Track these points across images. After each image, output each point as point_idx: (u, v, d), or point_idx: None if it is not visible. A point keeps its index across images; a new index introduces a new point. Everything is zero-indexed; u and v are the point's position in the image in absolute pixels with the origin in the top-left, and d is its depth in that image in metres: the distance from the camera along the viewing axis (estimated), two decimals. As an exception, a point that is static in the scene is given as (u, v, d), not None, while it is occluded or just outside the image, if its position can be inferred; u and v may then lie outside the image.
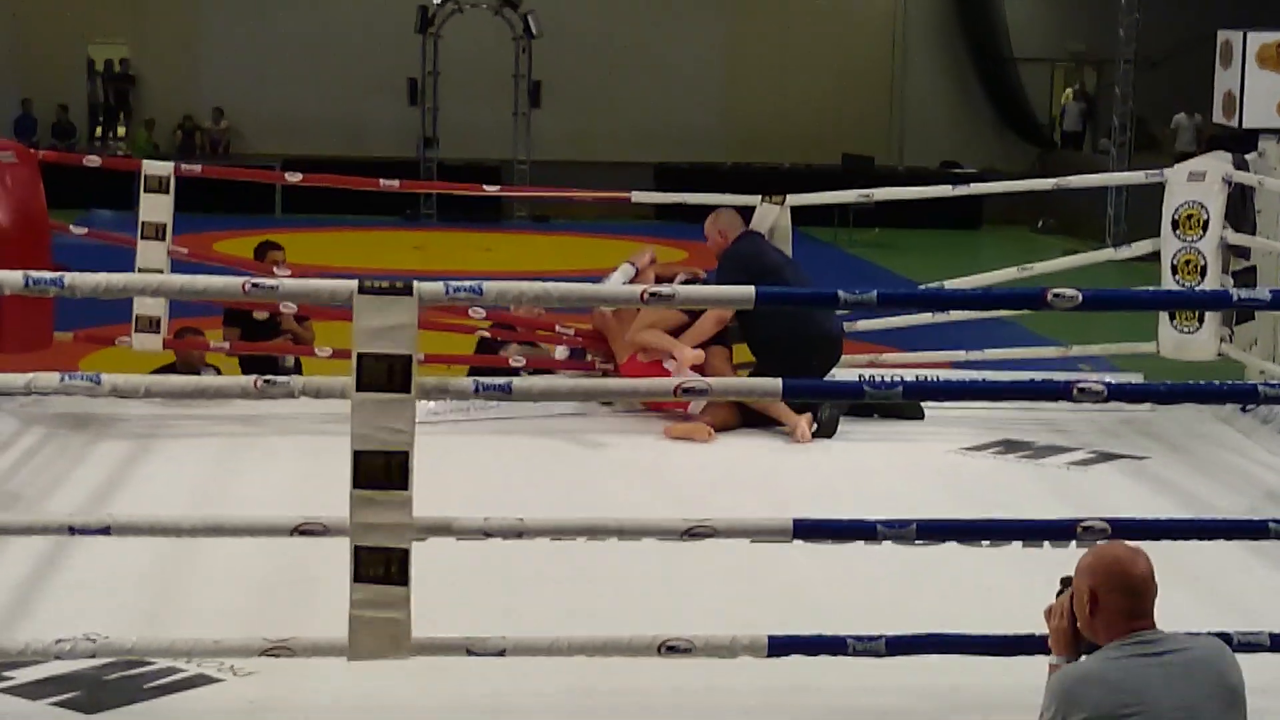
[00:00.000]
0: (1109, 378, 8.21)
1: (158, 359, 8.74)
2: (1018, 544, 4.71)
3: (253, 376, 4.03)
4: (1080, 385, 4.08)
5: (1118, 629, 3.29)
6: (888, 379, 7.90)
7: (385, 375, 3.86)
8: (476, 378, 4.07)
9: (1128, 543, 3.46)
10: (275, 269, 8.48)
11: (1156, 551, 3.94)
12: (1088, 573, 3.35)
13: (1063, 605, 3.44)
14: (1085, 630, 3.36)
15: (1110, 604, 3.30)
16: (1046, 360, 8.69)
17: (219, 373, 8.88)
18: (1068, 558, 4.21)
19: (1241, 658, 3.41)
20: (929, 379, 8.02)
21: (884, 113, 28.88)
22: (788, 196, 8.03)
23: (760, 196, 8.04)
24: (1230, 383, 6.95)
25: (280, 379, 3.98)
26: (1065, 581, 3.47)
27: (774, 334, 7.34)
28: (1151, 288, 8.06)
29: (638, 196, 8.73)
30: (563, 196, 10.05)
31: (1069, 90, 29.46)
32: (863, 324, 8.13)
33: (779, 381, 4.20)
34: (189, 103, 28.03)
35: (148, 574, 5.12)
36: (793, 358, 7.28)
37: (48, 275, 3.95)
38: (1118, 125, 24.32)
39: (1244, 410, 7.56)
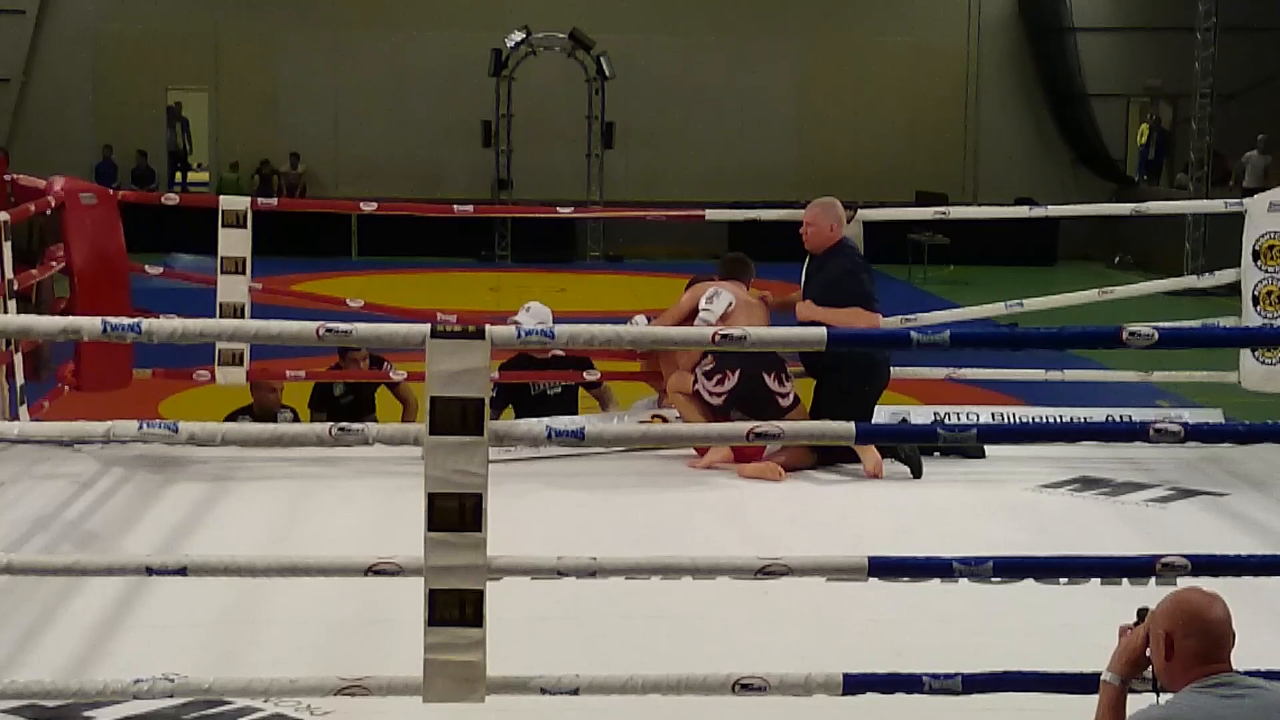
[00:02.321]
0: (1187, 414, 8.16)
1: (235, 400, 8.85)
2: (1096, 581, 4.66)
3: (328, 424, 4.06)
4: (1157, 426, 4.03)
5: (1193, 673, 3.26)
6: (961, 421, 7.95)
7: (458, 418, 3.88)
8: (549, 424, 4.08)
9: (1204, 588, 3.42)
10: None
11: (1239, 587, 3.90)
12: (1164, 617, 3.33)
13: (1140, 630, 3.43)
14: (1161, 675, 3.34)
15: (1186, 648, 3.28)
16: (1126, 385, 8.61)
17: (296, 415, 9.00)
18: (1147, 595, 4.17)
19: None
20: (1004, 419, 8.04)
21: (958, 150, 28.79)
22: (859, 209, 8.07)
23: None
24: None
25: (355, 426, 4.01)
26: (1142, 613, 3.46)
27: (838, 359, 7.31)
28: (1232, 318, 7.99)
29: (711, 214, 8.91)
30: (636, 216, 10.22)
31: (1145, 125, 29.27)
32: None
33: (851, 425, 4.18)
34: (267, 148, 28.37)
35: (224, 613, 5.16)
36: (854, 383, 7.31)
37: (126, 321, 3.99)
38: (1194, 160, 24.14)
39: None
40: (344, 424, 4.01)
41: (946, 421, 7.97)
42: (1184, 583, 4.14)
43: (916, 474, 7.22)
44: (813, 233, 7.70)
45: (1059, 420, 8.06)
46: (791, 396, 7.39)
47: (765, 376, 7.28)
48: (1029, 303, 8.27)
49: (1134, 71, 28.49)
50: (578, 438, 4.10)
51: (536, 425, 4.06)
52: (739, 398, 7.28)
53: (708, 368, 7.32)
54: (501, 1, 27.32)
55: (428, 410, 3.92)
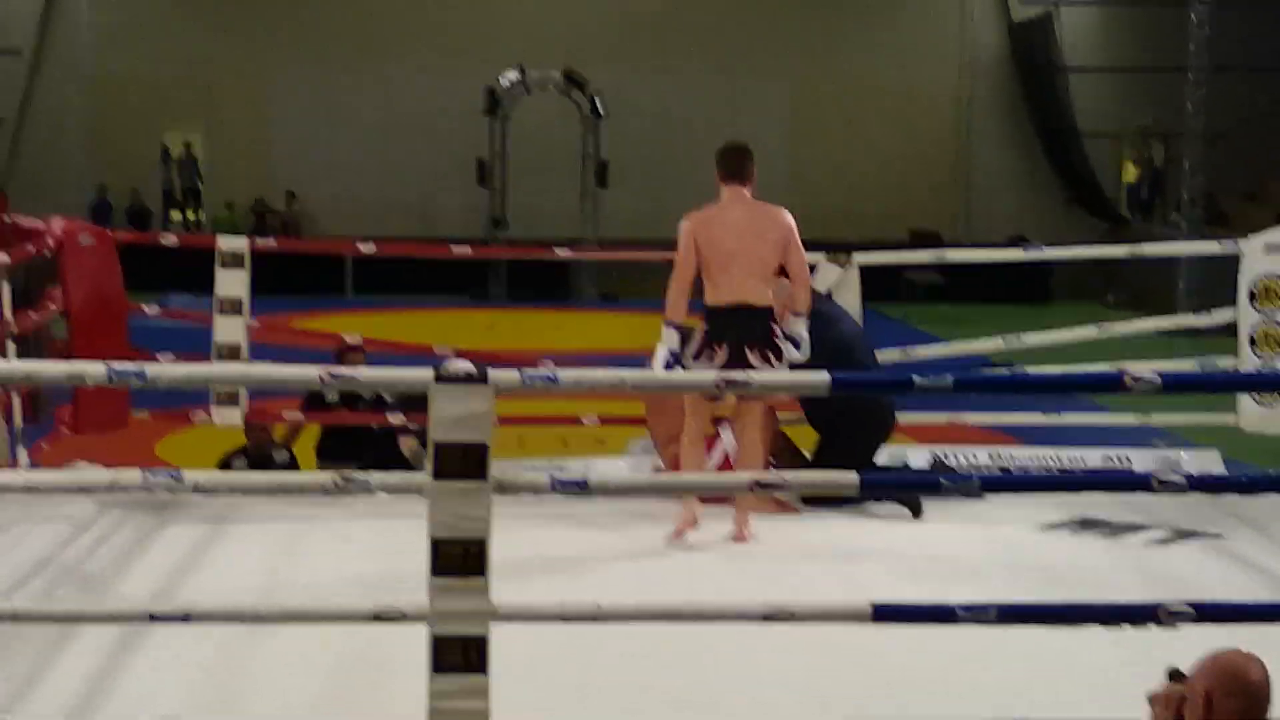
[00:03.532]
0: (1185, 455, 8.16)
1: (230, 440, 8.83)
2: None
3: (331, 474, 4.06)
4: (1161, 478, 4.05)
5: None
6: (960, 460, 7.95)
7: (461, 463, 3.88)
8: (552, 473, 4.09)
9: (1244, 649, 3.36)
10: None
11: (1241, 634, 3.89)
12: (1205, 676, 3.28)
13: (1169, 696, 3.38)
14: None
15: (1225, 709, 3.22)
16: (1124, 427, 8.62)
17: (291, 454, 8.98)
18: (1151, 638, 4.17)
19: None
20: (1006, 467, 8.04)
21: (951, 188, 28.87)
22: (854, 255, 8.09)
23: (824, 254, 8.08)
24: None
25: (358, 476, 4.01)
26: (1174, 675, 3.41)
27: (837, 408, 7.25)
28: (1229, 358, 8.00)
29: None
30: (632, 259, 10.26)
31: (1129, 163, 29.40)
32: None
33: (854, 475, 4.18)
34: (261, 186, 28.42)
35: (224, 657, 5.13)
36: (856, 430, 7.30)
37: (131, 367, 3.99)
38: (1187, 199, 24.22)
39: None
40: (347, 473, 4.01)
41: (946, 461, 8.00)
42: (1188, 629, 4.15)
43: (916, 514, 7.22)
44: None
45: (1057, 460, 8.08)
46: None
47: (748, 351, 6.68)
48: (1028, 338, 8.27)
49: (1126, 110, 28.60)
50: (581, 488, 4.10)
51: (540, 475, 4.06)
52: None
53: (695, 349, 6.78)
54: (495, 41, 27.41)
55: (431, 455, 3.92)
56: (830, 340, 7.27)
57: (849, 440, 7.33)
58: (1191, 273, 22.53)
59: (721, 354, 6.68)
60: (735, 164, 6.97)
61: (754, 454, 6.89)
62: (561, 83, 25.94)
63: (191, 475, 4.07)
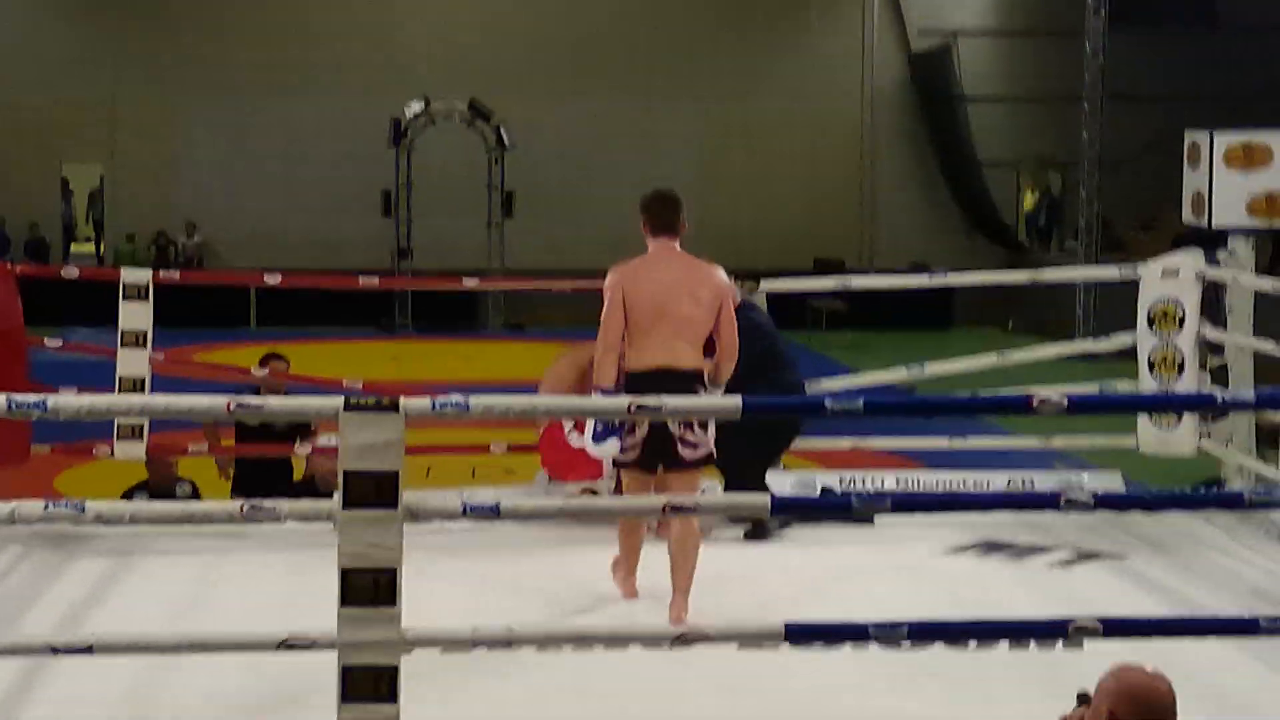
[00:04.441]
0: (1087, 477, 8.27)
1: (132, 474, 8.73)
2: (1007, 649, 4.68)
3: (239, 502, 4.03)
4: (1068, 496, 4.11)
5: None
6: (876, 491, 8.00)
7: (373, 492, 3.86)
8: (464, 499, 4.07)
9: (1149, 667, 3.37)
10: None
11: (1147, 650, 3.95)
12: (1108, 696, 3.29)
13: (1079, 715, 3.40)
14: None
15: None
16: (1026, 451, 8.73)
17: (195, 487, 8.89)
18: (1060, 661, 4.21)
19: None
20: (914, 487, 8.11)
21: (854, 217, 29.13)
22: (762, 282, 8.19)
23: (733, 280, 8.15)
24: (1215, 489, 7.00)
25: (266, 504, 3.98)
26: (1082, 698, 3.42)
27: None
28: (1128, 382, 8.11)
29: None
30: (540, 289, 10.29)
31: (1027, 191, 29.84)
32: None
33: (766, 497, 4.21)
34: (163, 219, 28.13)
35: (129, 694, 5.05)
36: (768, 434, 7.32)
37: (31, 398, 3.94)
38: (1083, 226, 24.60)
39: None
40: (255, 501, 3.98)
41: (840, 488, 8.03)
42: (1094, 646, 4.20)
43: (761, 535, 7.23)
44: None
45: (961, 485, 8.15)
46: (701, 450, 5.98)
47: (672, 422, 5.81)
48: (930, 368, 8.37)
49: (1024, 139, 28.98)
50: (493, 513, 4.10)
51: (451, 499, 4.05)
52: (653, 446, 5.95)
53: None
54: (400, 71, 27.34)
55: (341, 484, 3.90)
56: (751, 337, 6.84)
57: (749, 441, 7.28)
58: (1089, 298, 22.87)
59: (643, 426, 5.86)
60: (666, 216, 6.36)
61: (688, 558, 6.06)
62: (467, 114, 25.94)
63: (94, 506, 4.01)
